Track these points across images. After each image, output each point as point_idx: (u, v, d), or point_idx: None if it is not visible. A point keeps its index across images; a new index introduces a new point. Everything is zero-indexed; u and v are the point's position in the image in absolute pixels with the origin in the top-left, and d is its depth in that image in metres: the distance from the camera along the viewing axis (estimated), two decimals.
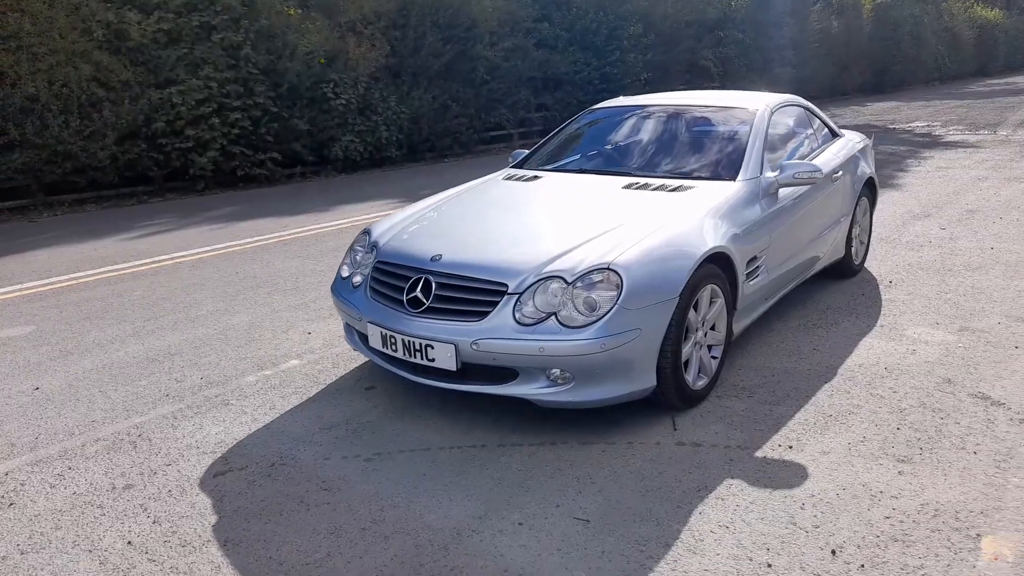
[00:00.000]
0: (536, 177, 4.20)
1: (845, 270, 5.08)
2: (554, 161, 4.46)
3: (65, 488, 2.81)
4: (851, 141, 5.14)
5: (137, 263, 6.42)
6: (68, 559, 2.38)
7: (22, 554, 2.42)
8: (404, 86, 13.74)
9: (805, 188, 4.08)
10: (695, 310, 3.15)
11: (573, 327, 2.79)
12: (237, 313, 4.84)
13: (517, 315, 2.84)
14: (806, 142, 4.65)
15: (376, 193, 10.41)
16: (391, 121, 13.46)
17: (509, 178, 4.26)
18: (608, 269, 2.90)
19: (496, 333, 2.83)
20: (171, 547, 2.43)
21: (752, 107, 4.25)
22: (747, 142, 3.97)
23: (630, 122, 4.58)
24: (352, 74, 12.77)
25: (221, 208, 9.69)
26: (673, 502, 2.57)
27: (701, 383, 3.29)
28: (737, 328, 3.60)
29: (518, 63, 15.69)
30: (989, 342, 3.89)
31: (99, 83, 10.12)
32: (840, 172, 4.67)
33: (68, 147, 9.78)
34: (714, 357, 3.39)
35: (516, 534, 2.42)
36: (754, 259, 3.59)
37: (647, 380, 2.96)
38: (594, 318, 2.80)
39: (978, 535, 2.33)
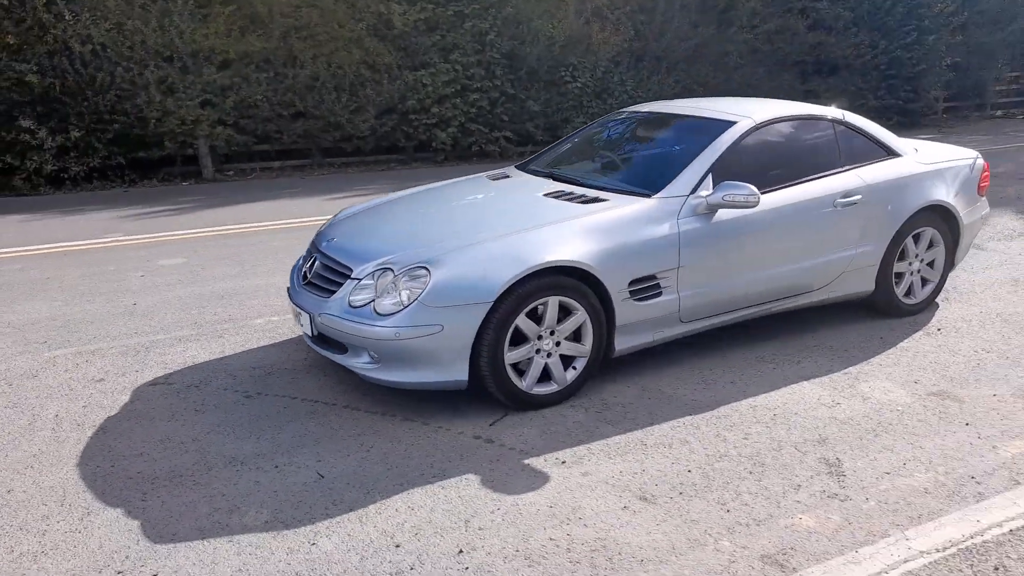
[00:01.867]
0: (506, 176, 4.50)
1: (888, 308, 4.49)
2: (555, 164, 4.68)
3: (82, 368, 4.03)
4: (907, 164, 4.46)
5: None
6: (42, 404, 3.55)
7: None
8: (644, 71, 13.88)
9: (768, 210, 3.84)
10: (533, 319, 3.34)
11: (380, 315, 3.24)
12: None
13: (351, 297, 3.36)
14: (819, 160, 4.22)
15: None
16: (625, 104, 13.75)
17: (492, 176, 4.61)
18: (422, 267, 3.26)
19: (331, 310, 3.39)
20: (77, 422, 3.46)
21: (736, 120, 4.05)
22: (694, 158, 3.84)
23: (622, 128, 4.60)
24: (592, 58, 13.31)
25: (454, 177, 11.12)
26: (397, 479, 2.94)
27: (546, 389, 3.46)
28: (626, 344, 3.62)
29: (783, 46, 14.76)
30: (942, 417, 3.33)
31: (367, 65, 12.10)
32: (858, 197, 4.17)
33: (338, 119, 11.92)
34: (574, 368, 3.51)
35: (269, 472, 3.02)
36: (649, 278, 3.55)
37: (458, 374, 3.27)
38: (396, 310, 3.21)
39: None
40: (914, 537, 2.51)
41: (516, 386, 3.37)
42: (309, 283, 3.68)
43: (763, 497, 2.77)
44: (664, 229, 3.61)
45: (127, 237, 7.21)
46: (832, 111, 4.45)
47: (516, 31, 12.82)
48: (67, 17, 10.15)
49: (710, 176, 3.80)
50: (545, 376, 3.47)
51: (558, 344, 3.45)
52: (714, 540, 2.53)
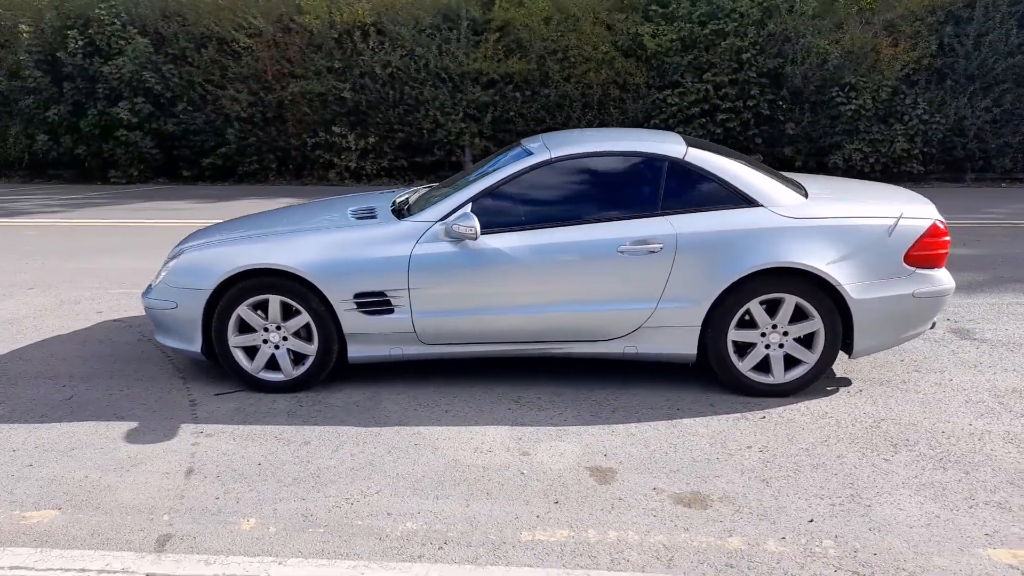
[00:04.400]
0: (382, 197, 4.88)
1: (734, 384, 3.75)
2: (442, 186, 4.69)
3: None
4: (762, 215, 3.66)
5: None
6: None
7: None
8: (943, 92, 11.62)
9: (530, 246, 3.69)
10: (262, 311, 3.87)
11: (149, 289, 4.13)
12: None
13: (156, 279, 4.27)
14: (625, 201, 3.74)
15: None
16: (916, 131, 11.71)
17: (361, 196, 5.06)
18: (178, 253, 4.04)
19: (146, 291, 4.35)
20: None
21: (533, 153, 3.91)
22: (466, 187, 3.86)
23: (500, 156, 4.54)
24: (876, 77, 11.68)
25: None
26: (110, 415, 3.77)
27: (272, 377, 3.87)
28: (361, 353, 3.84)
29: None
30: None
31: (616, 84, 12.60)
32: (658, 246, 3.61)
33: None
34: (303, 364, 3.91)
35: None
36: (379, 294, 3.75)
37: (195, 346, 3.97)
38: (156, 285, 4.06)
39: None
40: None
41: (242, 367, 3.94)
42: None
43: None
44: (397, 250, 3.76)
45: None
46: (676, 149, 3.86)
47: (782, 48, 11.94)
48: (371, 46, 12.78)
49: (469, 205, 3.79)
50: (276, 365, 3.96)
51: (285, 339, 3.92)
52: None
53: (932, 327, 3.91)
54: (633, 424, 3.53)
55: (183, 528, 2.74)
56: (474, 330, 3.82)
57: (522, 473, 3.11)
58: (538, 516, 2.78)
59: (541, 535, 2.66)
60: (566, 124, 12.68)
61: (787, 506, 2.81)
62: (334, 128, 13.06)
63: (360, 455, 3.29)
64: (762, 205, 3.72)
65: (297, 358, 3.94)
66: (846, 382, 3.99)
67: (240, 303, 3.86)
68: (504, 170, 3.89)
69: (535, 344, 3.84)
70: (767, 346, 3.73)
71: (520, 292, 3.75)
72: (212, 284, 3.84)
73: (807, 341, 3.72)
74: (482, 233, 3.73)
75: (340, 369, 4.04)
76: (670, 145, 3.88)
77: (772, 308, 3.69)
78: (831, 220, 3.67)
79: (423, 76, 12.82)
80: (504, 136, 12.84)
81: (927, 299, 3.69)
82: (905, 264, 3.64)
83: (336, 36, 12.91)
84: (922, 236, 3.65)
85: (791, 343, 3.72)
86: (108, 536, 2.69)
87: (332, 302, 3.79)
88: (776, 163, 12.15)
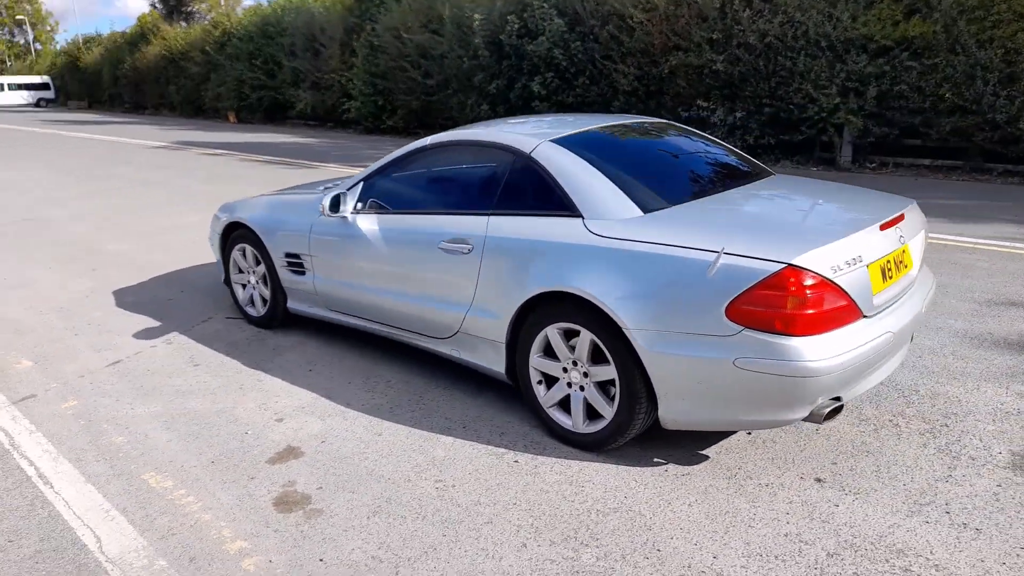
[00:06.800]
0: None
1: (532, 411, 3.07)
2: None
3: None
4: (572, 229, 2.91)
5: None
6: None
7: None
8: None
9: (378, 229, 3.65)
10: (244, 258, 4.61)
11: None
12: None
13: None
14: (470, 193, 3.29)
15: None
16: None
17: None
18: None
19: None
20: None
21: (422, 139, 3.75)
22: (373, 166, 3.90)
23: None
24: None
25: None
26: None
27: (252, 312, 4.68)
28: (294, 306, 4.31)
29: None
30: None
31: None
32: (467, 247, 3.14)
33: (996, 116, 9.74)
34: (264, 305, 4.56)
35: None
36: (296, 256, 4.13)
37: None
38: None
39: None
40: None
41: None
42: None
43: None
44: (308, 219, 4.06)
45: None
46: (529, 144, 3.17)
47: None
48: (749, 15, 11.90)
49: (361, 184, 3.83)
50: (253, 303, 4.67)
51: (255, 284, 4.57)
52: None
53: (822, 418, 2.54)
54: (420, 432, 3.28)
55: None
56: (356, 303, 3.93)
57: (246, 433, 3.27)
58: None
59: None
60: (978, 101, 9.88)
61: None
62: (699, 102, 12.67)
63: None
64: (580, 216, 2.92)
65: (263, 302, 4.58)
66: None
67: (231, 251, 4.67)
68: (395, 153, 3.82)
69: (403, 331, 3.75)
70: (569, 384, 2.98)
71: (377, 274, 3.73)
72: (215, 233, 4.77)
73: (608, 390, 2.85)
74: (359, 212, 3.79)
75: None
76: (529, 140, 3.28)
77: (570, 339, 2.93)
78: (636, 245, 2.73)
79: (800, 44, 11.42)
80: (891, 115, 10.68)
81: (760, 376, 2.45)
82: (727, 319, 2.48)
83: (718, 6, 12.35)
84: (756, 285, 2.43)
85: (592, 389, 2.90)
86: None
87: (271, 256, 4.32)
88: None
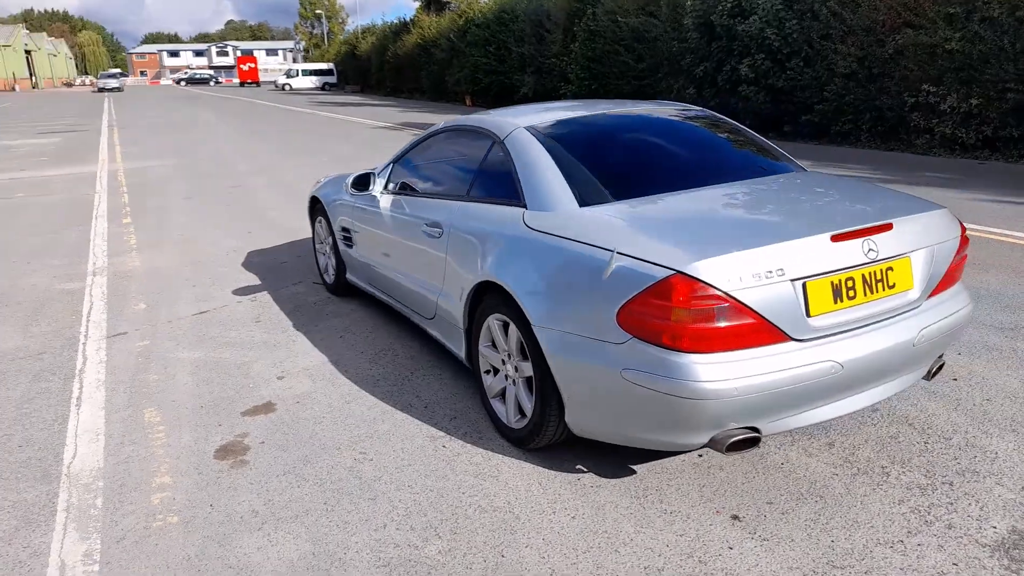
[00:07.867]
0: None
1: (482, 399, 3.01)
2: None
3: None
4: (513, 220, 2.81)
5: None
6: None
7: None
8: None
9: (388, 209, 3.84)
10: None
11: None
12: None
13: None
14: (459, 178, 3.32)
15: None
16: None
17: None
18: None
19: None
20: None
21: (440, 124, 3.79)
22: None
23: None
24: None
25: None
26: None
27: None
28: (352, 278, 4.57)
29: None
30: None
31: None
32: (439, 231, 3.19)
33: None
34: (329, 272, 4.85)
35: None
36: (347, 230, 4.41)
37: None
38: None
39: None
40: None
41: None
42: None
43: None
44: (349, 198, 4.34)
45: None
46: (505, 129, 3.07)
47: None
48: None
49: (392, 165, 3.98)
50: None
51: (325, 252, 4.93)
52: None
53: (724, 447, 2.23)
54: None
55: None
56: (378, 278, 4.13)
57: (248, 385, 3.61)
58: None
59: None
60: None
61: None
62: (927, 87, 11.05)
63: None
64: (524, 207, 2.81)
65: (333, 270, 4.91)
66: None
67: (314, 223, 5.09)
68: (420, 136, 3.93)
69: (403, 307, 3.88)
70: (506, 376, 2.91)
71: (391, 252, 3.92)
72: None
73: (529, 384, 2.74)
74: (383, 192, 3.96)
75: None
76: (508, 125, 3.21)
77: (507, 332, 2.86)
78: (550, 239, 2.60)
79: None
80: None
81: (648, 392, 2.20)
82: (618, 326, 2.26)
83: None
84: (644, 292, 2.19)
85: (520, 383, 2.80)
86: None
87: (334, 230, 4.65)
88: None
